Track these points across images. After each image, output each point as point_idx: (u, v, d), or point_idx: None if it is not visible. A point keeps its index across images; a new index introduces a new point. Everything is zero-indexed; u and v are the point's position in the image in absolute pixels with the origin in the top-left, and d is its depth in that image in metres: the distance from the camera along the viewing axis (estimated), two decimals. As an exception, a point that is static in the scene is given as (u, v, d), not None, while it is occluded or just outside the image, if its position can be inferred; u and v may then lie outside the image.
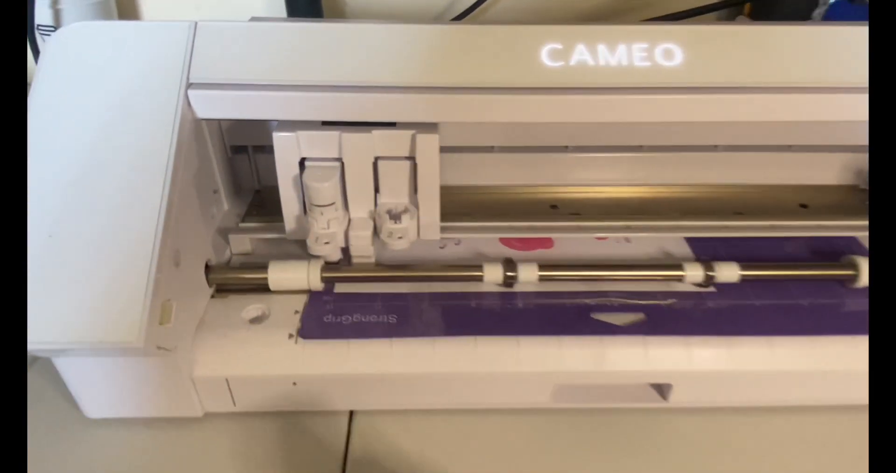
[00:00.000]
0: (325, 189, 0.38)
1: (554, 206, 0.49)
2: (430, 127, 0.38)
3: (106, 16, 0.67)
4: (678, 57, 0.37)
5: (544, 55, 0.37)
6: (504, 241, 0.45)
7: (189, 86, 0.36)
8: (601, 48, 0.37)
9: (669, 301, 0.40)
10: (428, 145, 0.38)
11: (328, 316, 0.38)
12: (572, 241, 0.45)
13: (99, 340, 0.29)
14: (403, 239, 0.40)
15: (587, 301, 0.40)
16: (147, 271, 0.31)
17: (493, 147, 0.49)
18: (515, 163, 0.49)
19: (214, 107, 0.36)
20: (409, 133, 0.38)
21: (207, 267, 0.39)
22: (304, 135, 0.38)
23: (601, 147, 0.49)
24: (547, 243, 0.45)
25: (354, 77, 0.36)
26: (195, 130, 0.37)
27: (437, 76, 0.36)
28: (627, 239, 0.45)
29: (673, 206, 0.48)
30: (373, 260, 0.42)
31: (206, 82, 0.36)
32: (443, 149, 0.39)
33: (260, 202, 0.47)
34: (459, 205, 0.47)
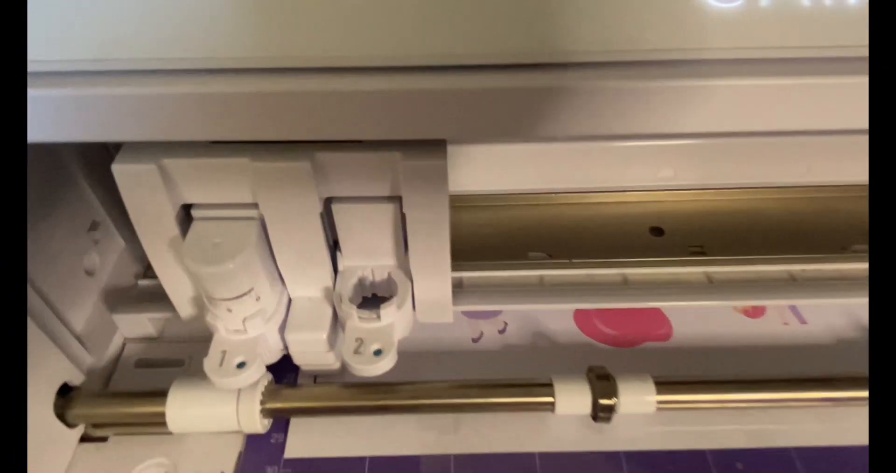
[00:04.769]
0: (226, 273, 0.19)
1: (657, 230, 0.30)
2: (431, 147, 0.19)
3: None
4: None
5: (701, -17, 0.17)
6: (581, 319, 0.27)
7: None
8: (825, -38, 0.17)
9: None
10: (429, 178, 0.20)
11: None
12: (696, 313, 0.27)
13: None
14: (385, 355, 0.21)
15: None
16: None
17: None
18: (590, 157, 0.30)
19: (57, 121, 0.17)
20: (390, 156, 0.19)
21: (65, 393, 0.22)
22: (177, 165, 0.19)
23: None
24: (659, 326, 0.27)
25: (278, 50, 0.16)
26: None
27: (447, 40, 0.16)
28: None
29: (853, 224, 0.30)
30: (336, 366, 0.24)
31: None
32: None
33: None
34: (495, 233, 0.29)
